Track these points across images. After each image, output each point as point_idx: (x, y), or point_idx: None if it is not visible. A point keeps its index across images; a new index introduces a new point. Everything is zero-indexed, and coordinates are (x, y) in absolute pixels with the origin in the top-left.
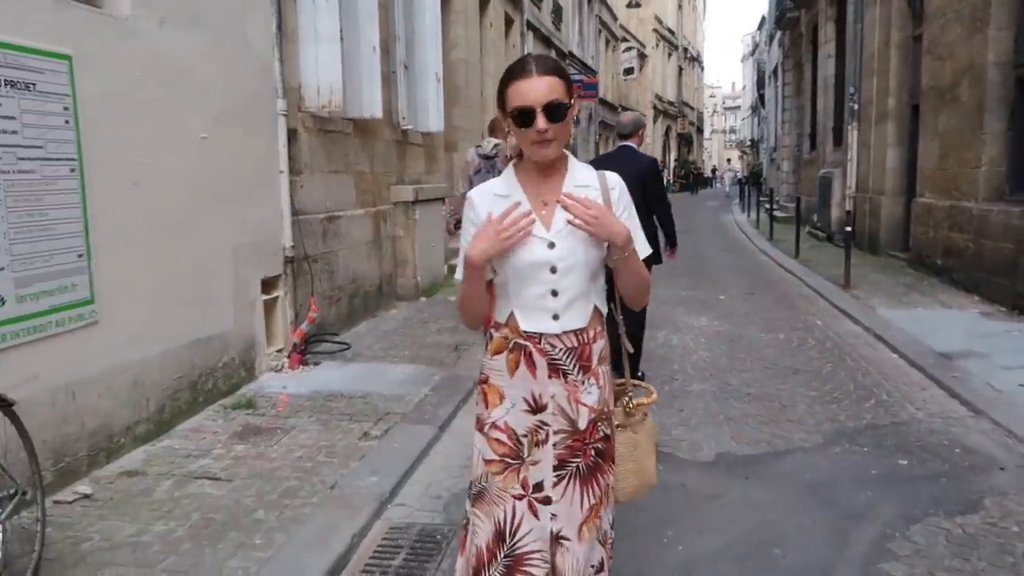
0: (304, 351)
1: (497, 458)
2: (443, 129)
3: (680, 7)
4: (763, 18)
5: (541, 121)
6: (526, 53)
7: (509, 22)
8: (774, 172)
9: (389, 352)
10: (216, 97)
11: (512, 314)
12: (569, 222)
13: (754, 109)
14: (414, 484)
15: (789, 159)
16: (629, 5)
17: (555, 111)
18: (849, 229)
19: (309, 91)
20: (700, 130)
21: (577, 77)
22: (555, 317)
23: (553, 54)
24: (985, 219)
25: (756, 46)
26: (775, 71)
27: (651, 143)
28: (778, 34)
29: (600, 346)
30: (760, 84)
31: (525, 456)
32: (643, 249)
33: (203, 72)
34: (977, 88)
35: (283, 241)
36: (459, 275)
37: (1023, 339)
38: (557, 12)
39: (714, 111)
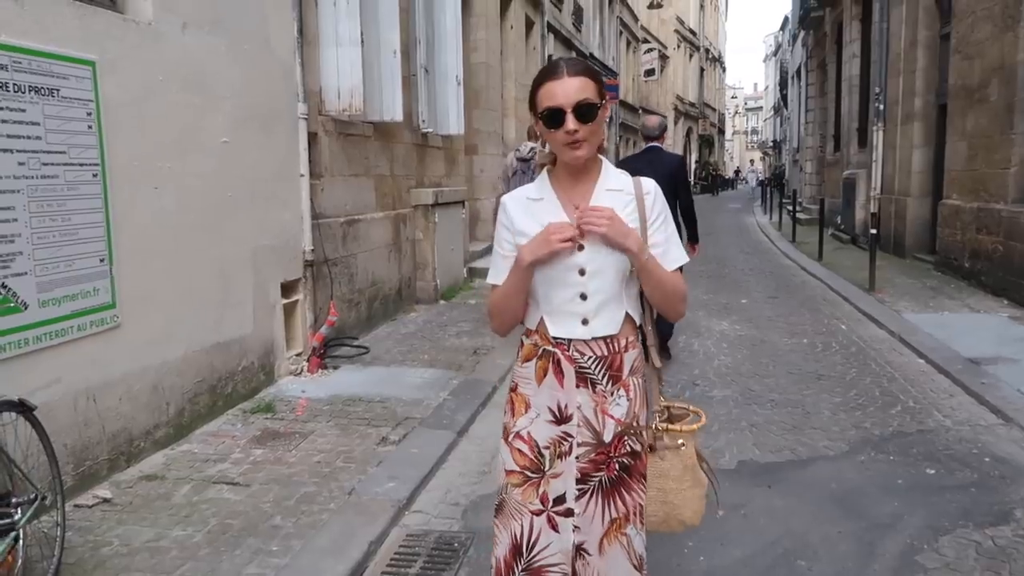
0: (323, 355)
1: (518, 469)
2: (463, 132)
3: (702, 7)
4: (786, 18)
5: (571, 122)
6: (555, 57)
7: (530, 24)
8: (797, 173)
9: (408, 356)
10: (237, 101)
11: (542, 320)
12: (582, 228)
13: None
14: (432, 490)
15: (812, 160)
16: (651, 6)
17: (585, 112)
18: (875, 231)
19: (330, 94)
20: (721, 131)
21: None
22: (584, 322)
23: (573, 55)
24: (1015, 221)
25: (779, 46)
26: (798, 71)
27: (672, 145)
28: (802, 34)
29: (632, 356)
30: (783, 85)
31: (547, 469)
32: (678, 257)
33: (225, 76)
34: (1007, 88)
35: (303, 244)
36: (492, 278)
37: None
38: (578, 14)
39: (736, 112)
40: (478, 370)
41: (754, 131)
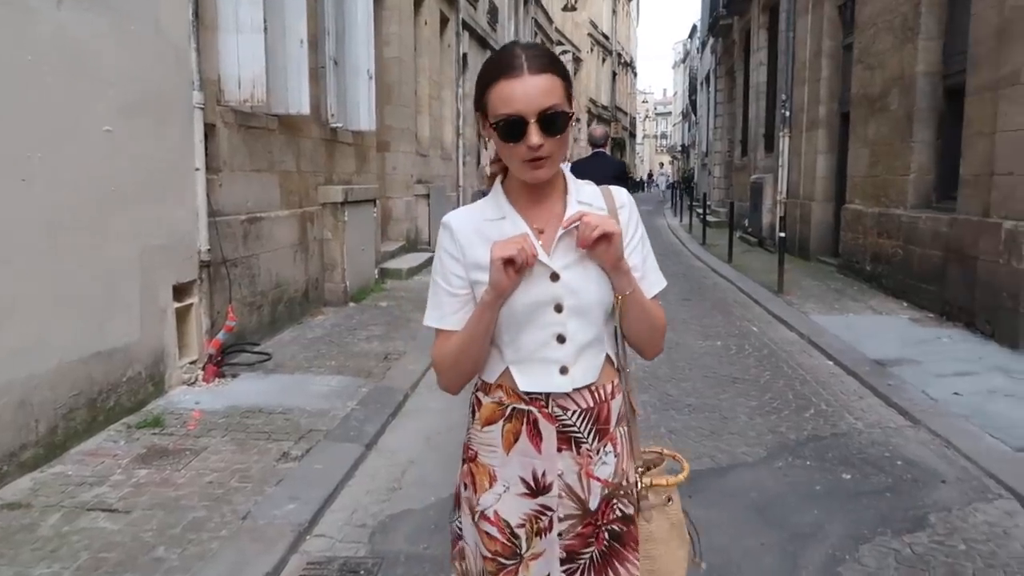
0: (220, 362)
1: (489, 555)
2: (375, 128)
3: (615, 12)
4: (694, 26)
5: (535, 135)
6: (468, 56)
7: (444, 21)
8: (705, 177)
9: (314, 362)
10: (123, 87)
11: (507, 372)
12: (582, 239)
13: (685, 115)
14: (337, 511)
15: (721, 164)
16: (565, 8)
17: (553, 122)
18: (783, 235)
19: (229, 84)
20: (633, 135)
21: None
22: (563, 371)
23: (488, 55)
24: (914, 226)
25: (687, 54)
26: (707, 77)
27: (584, 147)
28: (711, 41)
29: (619, 403)
30: (692, 91)
31: (524, 552)
32: (657, 282)
33: (108, 59)
34: (907, 97)
35: (198, 244)
36: (434, 321)
37: (953, 346)
38: (493, 13)
39: (646, 116)
40: (389, 377)
41: (663, 135)
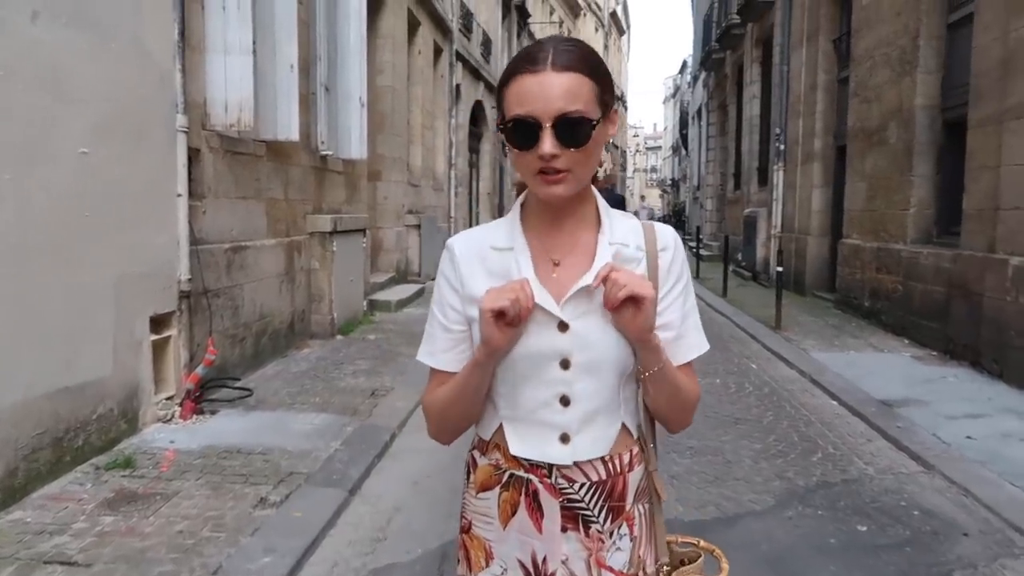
0: (199, 398)
1: None
2: (366, 157)
3: (606, 47)
4: (684, 62)
5: (548, 143)
6: (462, 87)
7: (438, 51)
8: (697, 210)
9: (298, 398)
10: (102, 107)
11: (500, 429)
12: (609, 300)
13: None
14: (316, 564)
15: (713, 198)
16: None
17: (573, 131)
18: (780, 269)
19: (215, 107)
20: (624, 168)
21: None
22: (564, 439)
23: (482, 87)
24: (915, 261)
25: (678, 88)
26: (699, 111)
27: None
28: (703, 75)
29: (638, 476)
30: (683, 125)
31: None
32: (697, 345)
33: (86, 77)
34: (905, 131)
35: (179, 273)
36: (426, 358)
37: (959, 385)
38: (487, 44)
39: (636, 150)
40: (375, 414)
41: (653, 169)
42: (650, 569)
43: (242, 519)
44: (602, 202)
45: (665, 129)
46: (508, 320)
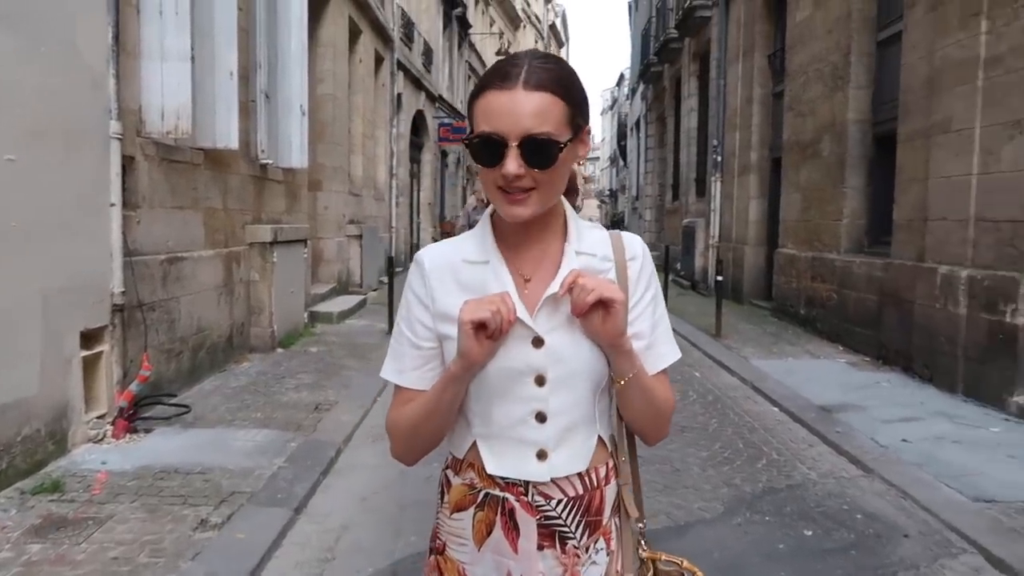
0: (132, 416)
1: None
2: (307, 166)
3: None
4: (622, 74)
5: (512, 162)
6: (404, 96)
7: (379, 60)
8: (636, 221)
9: (238, 414)
10: (30, 112)
11: (474, 447)
12: (576, 304)
13: (613, 160)
14: None
15: (652, 208)
16: (499, 53)
17: (539, 152)
18: (719, 278)
19: (151, 114)
20: None
21: (447, 121)
22: (541, 455)
23: (423, 96)
24: (848, 270)
25: (615, 100)
26: (638, 123)
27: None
28: (641, 87)
29: (614, 489)
30: (621, 136)
31: None
32: (668, 354)
33: (14, 81)
34: (838, 144)
35: (111, 286)
36: (391, 375)
37: (893, 390)
38: (428, 54)
39: None
40: (320, 429)
41: (591, 179)
42: None
43: (182, 543)
44: (571, 212)
45: (603, 140)
46: (489, 333)
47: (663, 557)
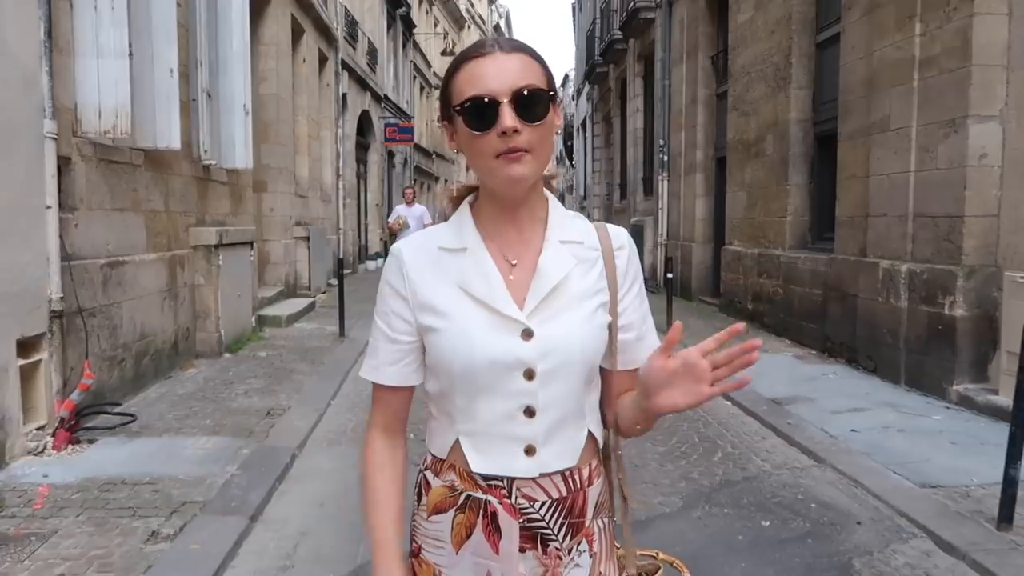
0: (74, 426)
1: None
2: (251, 167)
3: None
4: (566, 76)
5: (508, 117)
6: (348, 95)
7: (323, 59)
8: None
9: (186, 422)
10: None
11: (457, 445)
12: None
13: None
14: None
15: (600, 208)
16: (443, 53)
17: (531, 105)
18: (670, 276)
19: (88, 113)
20: None
21: (393, 121)
22: (529, 451)
23: (369, 96)
24: (793, 266)
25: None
26: (584, 123)
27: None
28: (587, 88)
29: (598, 489)
30: (567, 136)
31: None
32: (655, 344)
33: None
34: (781, 143)
35: (49, 291)
36: (370, 374)
37: (840, 382)
38: (372, 54)
39: None
40: (273, 435)
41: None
42: None
43: (132, 556)
44: (554, 201)
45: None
46: None
47: (638, 552)
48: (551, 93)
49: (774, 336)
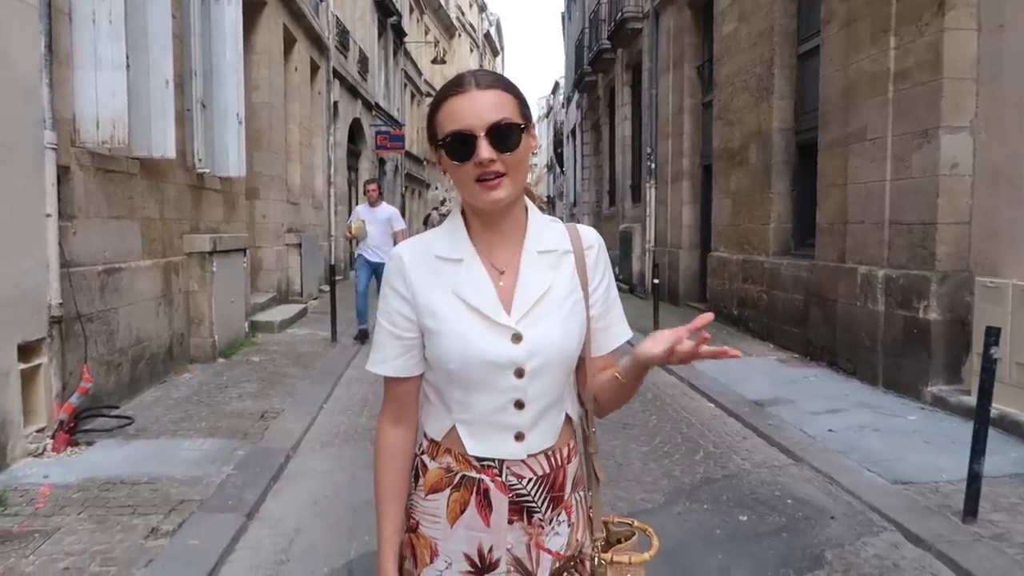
0: (73, 429)
1: None
2: (244, 175)
3: (481, 67)
4: (557, 83)
5: (484, 149)
6: (340, 103)
7: (315, 68)
8: None
9: (182, 424)
10: None
11: (454, 431)
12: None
13: (549, 167)
14: None
15: (589, 214)
16: (434, 61)
17: (505, 137)
18: (657, 281)
19: (86, 123)
20: None
21: (384, 129)
22: (519, 437)
23: (359, 104)
24: (776, 272)
25: (551, 108)
26: (573, 131)
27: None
28: (576, 96)
29: (575, 467)
30: (557, 144)
31: None
32: (623, 333)
33: None
34: (765, 152)
35: (49, 297)
36: (378, 367)
37: (820, 384)
38: (363, 62)
39: None
40: (267, 437)
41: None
42: (587, 550)
43: (133, 551)
44: (533, 210)
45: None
46: None
47: (615, 519)
48: (524, 124)
49: (759, 340)
